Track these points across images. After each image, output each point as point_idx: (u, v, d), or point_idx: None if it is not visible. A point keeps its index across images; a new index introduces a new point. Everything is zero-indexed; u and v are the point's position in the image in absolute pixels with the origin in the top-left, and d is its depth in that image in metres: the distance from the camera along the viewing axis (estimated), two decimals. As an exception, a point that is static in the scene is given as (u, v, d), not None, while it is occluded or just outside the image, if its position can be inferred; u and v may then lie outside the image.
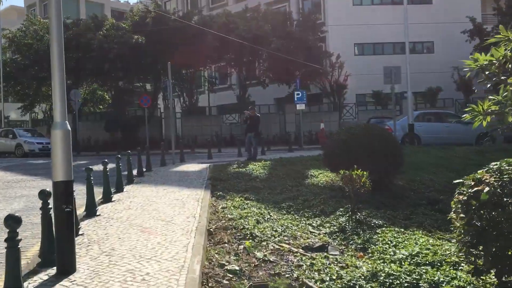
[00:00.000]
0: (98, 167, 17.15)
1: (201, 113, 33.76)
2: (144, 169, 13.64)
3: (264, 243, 5.95)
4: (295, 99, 23.48)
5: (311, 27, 30.79)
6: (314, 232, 6.54)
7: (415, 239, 6.01)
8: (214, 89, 38.13)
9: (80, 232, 6.23)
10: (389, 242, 5.85)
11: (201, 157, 20.39)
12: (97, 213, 7.62)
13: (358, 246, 5.85)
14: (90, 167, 7.72)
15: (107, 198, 8.87)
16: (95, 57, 28.90)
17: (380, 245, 5.76)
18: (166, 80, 33.80)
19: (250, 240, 6.01)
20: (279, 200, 8.45)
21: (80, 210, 8.15)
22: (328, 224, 6.76)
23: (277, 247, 5.84)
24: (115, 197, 9.28)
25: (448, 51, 36.30)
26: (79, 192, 10.83)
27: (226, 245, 5.88)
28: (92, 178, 7.71)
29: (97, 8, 46.85)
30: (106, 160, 9.00)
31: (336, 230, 6.51)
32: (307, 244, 6.01)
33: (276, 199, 8.55)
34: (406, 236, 6.11)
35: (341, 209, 7.32)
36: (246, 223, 6.72)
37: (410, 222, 6.99)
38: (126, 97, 37.22)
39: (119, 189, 10.03)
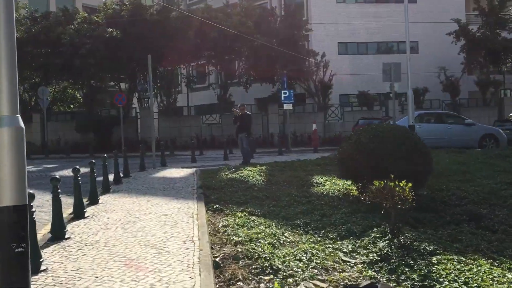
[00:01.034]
0: (68, 172, 15.36)
1: (179, 114, 31.99)
2: (122, 175, 12.00)
3: (291, 279, 4.50)
4: (282, 99, 22.10)
5: (296, 24, 29.47)
6: (348, 262, 5.11)
7: (485, 271, 4.65)
8: (192, 89, 36.50)
9: (42, 267, 4.64)
10: (456, 278, 4.46)
11: (183, 160, 18.77)
12: (66, 236, 5.99)
13: (416, 284, 4.44)
14: (57, 176, 6.12)
15: (79, 214, 7.25)
16: (66, 52, 26.89)
17: (447, 282, 4.37)
18: (142, 78, 31.95)
19: (272, 276, 4.55)
20: (291, 215, 7.00)
21: (45, 230, 6.54)
22: (363, 250, 5.34)
23: (312, 286, 4.38)
24: (88, 211, 7.66)
25: (432, 51, 35.64)
26: (45, 203, 9.17)
27: (242, 284, 4.40)
28: (59, 191, 6.07)
29: (68, 2, 44.42)
30: (77, 167, 7.35)
31: (377, 258, 5.09)
32: (346, 280, 4.58)
33: (286, 213, 7.10)
34: (472, 268, 4.74)
35: (375, 229, 5.91)
36: (260, 249, 5.25)
37: (462, 246, 5.63)
38: (99, 96, 35.22)
39: (94, 201, 8.40)
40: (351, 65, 34.88)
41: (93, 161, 8.46)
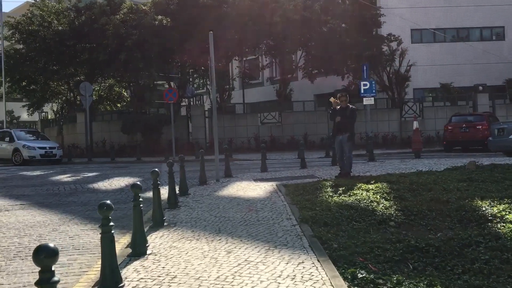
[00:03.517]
0: (110, 183, 12.29)
1: (232, 112, 28.69)
2: (177, 191, 8.75)
3: None
4: (362, 92, 18.34)
5: (367, 7, 25.51)
6: None
7: None
8: (245, 85, 33.26)
9: None
10: None
11: (246, 167, 15.43)
12: None
13: None
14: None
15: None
16: (110, 45, 24.24)
17: None
18: (193, 71, 28.91)
19: None
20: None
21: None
22: None
23: None
24: (130, 276, 4.31)
25: (523, 37, 30.82)
26: (74, 245, 5.97)
27: None
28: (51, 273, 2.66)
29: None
30: (110, 221, 3.96)
31: None
32: None
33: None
34: None
35: None
36: None
37: None
38: (147, 95, 32.61)
39: (139, 250, 5.06)
40: (426, 54, 30.54)
41: (138, 184, 5.08)
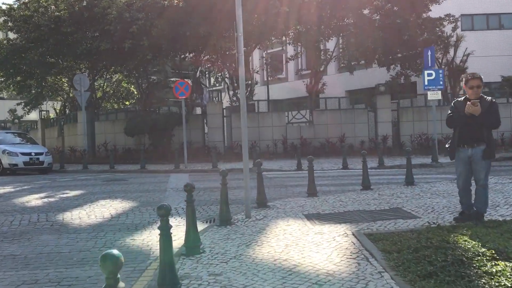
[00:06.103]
0: (88, 211, 8.44)
1: (255, 110, 24.71)
2: (182, 245, 4.93)
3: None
4: (425, 83, 14.32)
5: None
6: None
7: None
8: (268, 80, 29.36)
9: None
10: None
11: (280, 182, 11.48)
12: None
13: None
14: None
15: None
16: (114, 32, 20.50)
17: None
18: (208, 62, 25.07)
19: None
20: None
21: None
22: None
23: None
24: None
25: None
26: None
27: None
28: None
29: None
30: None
31: None
32: None
33: None
34: None
35: None
36: None
37: None
38: (158, 93, 28.93)
39: None
40: (478, 43, 26.26)
41: None
